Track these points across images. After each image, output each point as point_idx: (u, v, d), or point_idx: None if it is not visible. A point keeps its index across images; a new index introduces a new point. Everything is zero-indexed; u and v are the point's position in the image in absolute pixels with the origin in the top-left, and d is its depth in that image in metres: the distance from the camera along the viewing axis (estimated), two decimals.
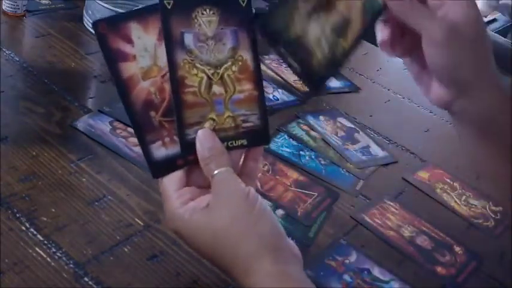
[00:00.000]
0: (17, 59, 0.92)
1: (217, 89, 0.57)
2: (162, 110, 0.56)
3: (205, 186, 0.58)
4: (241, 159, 0.60)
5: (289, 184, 0.83)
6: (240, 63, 0.57)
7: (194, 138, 0.56)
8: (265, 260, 0.53)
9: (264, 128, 0.59)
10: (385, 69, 1.27)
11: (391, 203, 0.86)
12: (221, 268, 0.57)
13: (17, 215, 0.65)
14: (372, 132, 1.02)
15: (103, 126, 0.83)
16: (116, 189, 0.73)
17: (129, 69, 0.55)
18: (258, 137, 0.59)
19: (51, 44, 0.99)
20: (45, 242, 0.63)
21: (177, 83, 0.55)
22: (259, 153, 0.61)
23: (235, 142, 0.58)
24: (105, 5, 1.03)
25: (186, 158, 0.57)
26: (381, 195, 0.88)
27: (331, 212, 0.81)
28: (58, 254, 0.63)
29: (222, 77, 0.57)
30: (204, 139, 0.56)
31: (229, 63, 0.57)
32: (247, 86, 0.58)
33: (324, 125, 0.99)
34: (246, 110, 0.58)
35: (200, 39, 0.55)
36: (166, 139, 0.56)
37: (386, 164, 0.95)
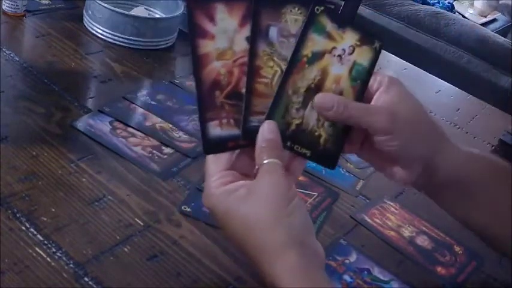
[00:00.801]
0: (17, 59, 0.92)
1: None
2: (226, 92, 0.57)
3: (248, 175, 0.58)
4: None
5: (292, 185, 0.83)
6: None
7: (256, 126, 0.57)
8: (292, 252, 0.53)
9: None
10: (384, 70, 1.27)
11: (391, 203, 0.86)
12: (246, 254, 0.57)
13: (17, 215, 0.65)
14: None
15: (103, 126, 0.83)
16: (115, 189, 0.73)
17: (206, 46, 0.56)
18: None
19: (51, 44, 0.99)
20: (45, 242, 0.63)
21: (252, 70, 0.57)
22: (302, 162, 0.62)
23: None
24: (105, 5, 1.03)
25: (238, 142, 0.58)
26: (381, 195, 0.88)
27: (331, 212, 0.81)
28: (58, 254, 0.63)
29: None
30: (267, 129, 0.57)
31: None
32: None
33: None
34: None
35: (283, 35, 0.58)
36: (224, 120, 0.57)
37: None
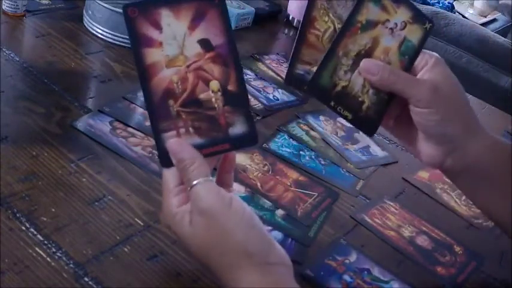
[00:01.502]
0: (17, 59, 0.92)
1: None
2: (181, 100, 0.55)
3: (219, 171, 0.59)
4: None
5: (289, 184, 0.83)
6: None
7: (301, 74, 0.60)
8: (254, 273, 0.53)
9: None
10: None
11: (391, 203, 0.86)
12: (209, 272, 0.57)
13: (17, 215, 0.65)
14: None
15: (103, 126, 0.83)
16: (116, 189, 0.73)
17: (152, 55, 0.54)
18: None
19: (51, 44, 0.99)
20: (45, 242, 0.63)
21: (307, 20, 0.59)
22: (232, 165, 0.61)
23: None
24: (105, 5, 1.03)
25: (201, 151, 0.56)
26: (381, 195, 0.88)
27: (331, 212, 0.81)
28: (58, 254, 0.63)
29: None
30: (177, 148, 0.55)
31: None
32: None
33: (324, 125, 0.99)
34: None
35: None
36: (182, 130, 0.56)
37: (386, 164, 0.95)
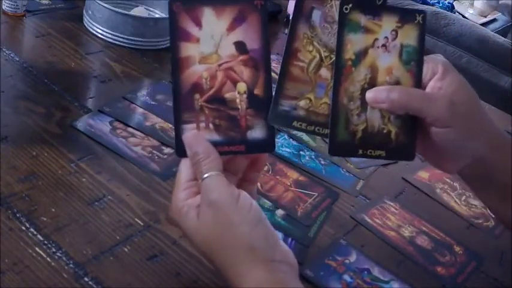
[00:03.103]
0: (17, 59, 0.92)
1: (324, 72, 0.57)
2: (207, 96, 0.56)
3: (228, 170, 0.58)
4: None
5: (289, 184, 0.83)
6: None
7: (285, 111, 0.56)
8: (259, 269, 0.53)
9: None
10: None
11: (391, 203, 0.86)
12: (214, 268, 0.56)
13: (17, 215, 0.65)
14: None
15: (103, 126, 0.83)
16: (115, 189, 0.73)
17: (188, 49, 0.56)
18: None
19: (51, 44, 0.99)
20: (45, 242, 0.63)
21: (289, 53, 0.56)
22: (263, 164, 0.61)
23: (322, 130, 0.58)
24: (105, 5, 1.03)
25: (217, 148, 0.56)
26: (381, 195, 0.88)
27: (331, 212, 0.81)
28: (58, 254, 0.63)
29: (333, 64, 0.57)
30: (193, 141, 0.56)
31: None
32: None
33: None
34: None
35: (326, 20, 0.56)
36: (202, 124, 0.57)
37: (387, 164, 0.95)
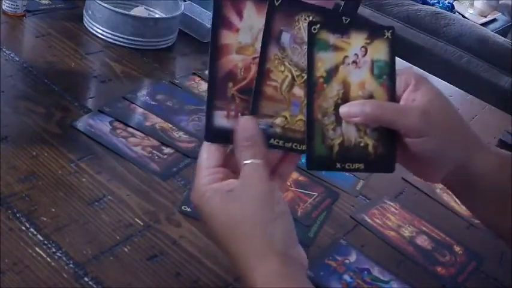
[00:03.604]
0: (17, 59, 0.92)
1: (297, 90, 0.58)
2: (239, 86, 0.57)
3: (239, 172, 0.57)
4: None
5: (289, 184, 0.83)
6: None
7: (263, 129, 0.57)
8: (273, 259, 0.53)
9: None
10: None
11: (391, 203, 0.86)
12: (227, 255, 0.56)
13: (17, 215, 0.65)
14: None
15: (103, 126, 0.83)
16: (115, 189, 0.73)
17: (227, 37, 0.57)
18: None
19: (51, 44, 0.99)
20: (45, 242, 0.63)
21: (262, 73, 0.57)
22: (298, 157, 0.61)
23: (299, 146, 0.58)
24: (105, 5, 1.03)
25: None
26: (381, 195, 0.88)
27: (331, 212, 0.81)
28: (58, 254, 0.63)
29: (305, 82, 0.58)
30: (244, 126, 0.56)
31: None
32: None
33: None
34: None
35: (295, 41, 0.58)
36: (232, 112, 0.58)
37: None
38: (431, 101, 0.59)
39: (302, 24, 0.58)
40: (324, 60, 0.57)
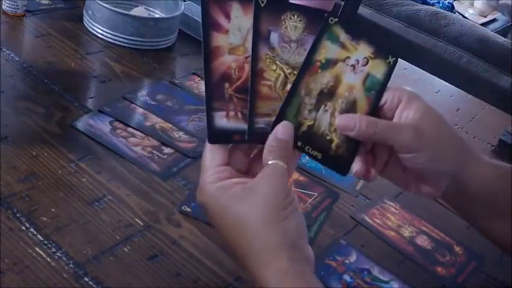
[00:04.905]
0: (17, 59, 0.92)
1: None
2: (235, 86, 0.58)
3: (243, 171, 0.59)
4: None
5: (289, 184, 0.83)
6: None
7: (261, 128, 0.58)
8: (282, 257, 0.53)
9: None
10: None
11: (391, 203, 0.86)
12: (236, 253, 0.56)
13: (17, 215, 0.65)
14: None
15: (103, 126, 0.83)
16: (115, 189, 0.73)
17: (218, 39, 0.58)
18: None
19: (51, 44, 0.99)
20: (45, 242, 0.63)
21: (255, 73, 0.58)
22: (298, 155, 0.61)
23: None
24: (105, 5, 1.03)
25: (244, 136, 0.59)
26: (381, 195, 0.88)
27: (331, 212, 0.81)
28: (58, 254, 0.63)
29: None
30: (281, 131, 0.58)
31: None
32: None
33: None
34: None
35: (284, 40, 0.59)
36: (231, 113, 0.58)
37: None
38: (423, 117, 0.60)
39: (288, 23, 0.59)
40: (328, 50, 0.59)
